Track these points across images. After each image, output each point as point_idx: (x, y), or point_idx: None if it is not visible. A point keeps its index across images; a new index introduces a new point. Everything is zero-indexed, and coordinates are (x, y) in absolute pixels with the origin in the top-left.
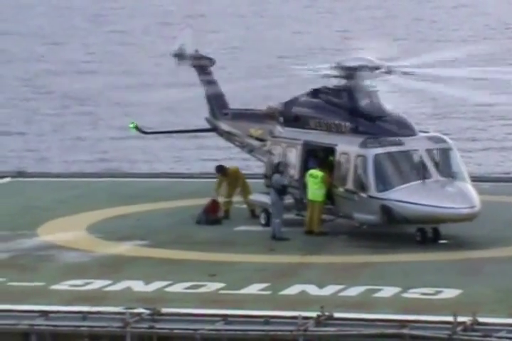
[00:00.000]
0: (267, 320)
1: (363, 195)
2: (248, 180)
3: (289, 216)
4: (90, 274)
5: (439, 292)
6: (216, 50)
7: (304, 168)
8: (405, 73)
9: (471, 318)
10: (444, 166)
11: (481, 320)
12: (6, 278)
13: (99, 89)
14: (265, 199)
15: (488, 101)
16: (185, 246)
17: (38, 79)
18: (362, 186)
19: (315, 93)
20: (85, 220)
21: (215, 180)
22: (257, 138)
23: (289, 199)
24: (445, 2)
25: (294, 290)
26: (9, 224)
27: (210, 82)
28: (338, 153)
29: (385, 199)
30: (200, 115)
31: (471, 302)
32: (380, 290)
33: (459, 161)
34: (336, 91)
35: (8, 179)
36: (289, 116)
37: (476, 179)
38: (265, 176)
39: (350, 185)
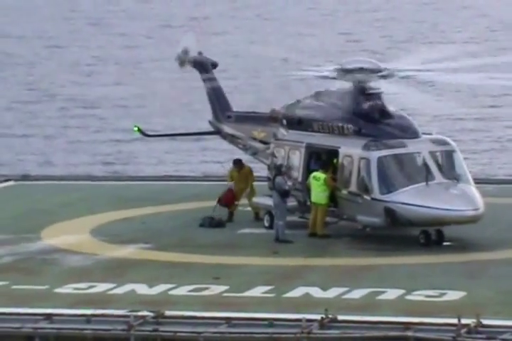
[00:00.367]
0: (270, 322)
1: (367, 197)
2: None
3: (293, 218)
4: (94, 277)
5: (443, 294)
6: (219, 53)
7: (307, 170)
8: (407, 75)
9: (475, 320)
10: (448, 168)
11: (485, 322)
12: (10, 282)
13: (103, 92)
14: (268, 201)
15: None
16: (189, 249)
17: (42, 82)
18: (365, 188)
19: (318, 95)
20: (89, 223)
21: (218, 183)
22: (261, 141)
23: (292, 202)
24: (448, 4)
25: (297, 292)
26: (13, 228)
27: (213, 85)
28: (341, 155)
29: (389, 202)
30: (203, 118)
31: (475, 305)
32: (383, 292)
33: (462, 163)
34: (339, 93)
35: (11, 182)
36: (293, 118)
37: (479, 181)
38: (268, 178)
39: (353, 187)
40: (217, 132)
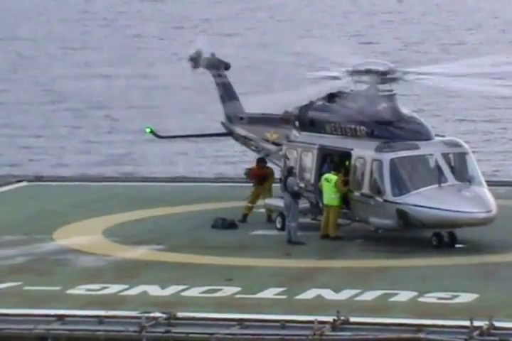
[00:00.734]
0: (283, 324)
1: (379, 199)
2: None
3: (305, 220)
4: (106, 278)
5: (456, 296)
6: (232, 54)
7: (320, 172)
8: (419, 78)
9: (487, 323)
10: (460, 170)
11: (497, 324)
12: (23, 283)
13: (116, 93)
14: (280, 203)
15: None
16: (201, 251)
17: (55, 83)
18: (378, 190)
19: (331, 97)
20: (101, 224)
21: (230, 184)
22: (273, 143)
23: (304, 204)
24: (460, 6)
25: (310, 294)
26: (26, 229)
27: (226, 86)
28: (353, 157)
29: (401, 204)
30: (215, 119)
31: (487, 307)
32: (396, 294)
33: (475, 165)
34: (352, 95)
35: (24, 183)
36: (305, 120)
37: (492, 183)
38: (280, 180)
39: (366, 189)
40: (230, 133)
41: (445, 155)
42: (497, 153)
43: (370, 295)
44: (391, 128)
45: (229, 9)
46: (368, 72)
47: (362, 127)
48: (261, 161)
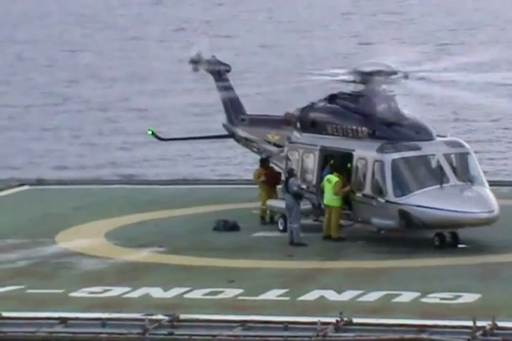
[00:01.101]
0: (286, 325)
1: (381, 200)
2: None
3: (307, 221)
4: (109, 281)
5: (458, 296)
6: (233, 56)
7: (322, 173)
8: (422, 78)
9: (490, 323)
10: (462, 171)
11: (500, 324)
12: (25, 286)
13: (117, 95)
14: (281, 204)
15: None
16: (203, 253)
17: (56, 86)
18: (380, 191)
19: (332, 98)
20: (103, 227)
21: (232, 186)
22: (275, 144)
23: (306, 205)
24: (459, 6)
25: (312, 295)
26: (28, 232)
27: (227, 88)
28: (355, 158)
29: (403, 204)
30: (217, 121)
31: (490, 307)
32: (398, 295)
33: (476, 165)
34: (353, 96)
35: (26, 187)
36: (307, 121)
37: (494, 183)
38: (282, 181)
39: (367, 190)
40: (231, 135)
41: (447, 156)
42: (499, 153)
43: (372, 296)
44: (393, 129)
45: (228, 11)
46: (372, 73)
47: (363, 128)
48: (266, 162)
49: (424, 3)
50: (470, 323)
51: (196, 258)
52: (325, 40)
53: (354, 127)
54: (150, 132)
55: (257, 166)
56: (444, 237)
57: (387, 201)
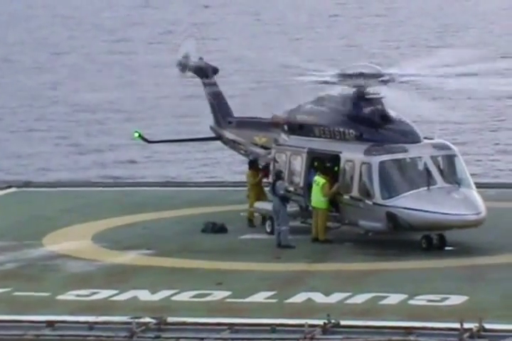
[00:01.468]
0: (273, 328)
1: (368, 202)
2: None
3: (295, 224)
4: (96, 284)
5: (446, 298)
6: (220, 58)
7: (309, 175)
8: (408, 80)
9: (477, 325)
10: (449, 173)
11: (487, 326)
12: (12, 288)
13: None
14: (268, 206)
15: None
16: (191, 255)
17: (43, 88)
18: (367, 193)
19: (319, 101)
20: (91, 229)
21: (220, 188)
22: (262, 146)
23: (294, 207)
24: (448, 9)
25: (300, 298)
26: (15, 234)
27: (214, 90)
28: (342, 160)
29: (391, 207)
30: (204, 123)
31: (477, 309)
32: (386, 297)
33: (463, 168)
34: (340, 98)
35: (13, 189)
36: (294, 124)
37: (481, 185)
38: (269, 184)
39: (355, 192)
40: (219, 138)
41: (434, 158)
42: (486, 155)
43: (360, 298)
44: (380, 131)
45: (216, 13)
46: (358, 75)
47: (351, 130)
48: (255, 163)
49: (410, 6)
50: (457, 325)
51: (184, 260)
52: (312, 42)
53: (341, 129)
54: (137, 134)
55: (245, 168)
56: (431, 239)
57: (374, 203)
